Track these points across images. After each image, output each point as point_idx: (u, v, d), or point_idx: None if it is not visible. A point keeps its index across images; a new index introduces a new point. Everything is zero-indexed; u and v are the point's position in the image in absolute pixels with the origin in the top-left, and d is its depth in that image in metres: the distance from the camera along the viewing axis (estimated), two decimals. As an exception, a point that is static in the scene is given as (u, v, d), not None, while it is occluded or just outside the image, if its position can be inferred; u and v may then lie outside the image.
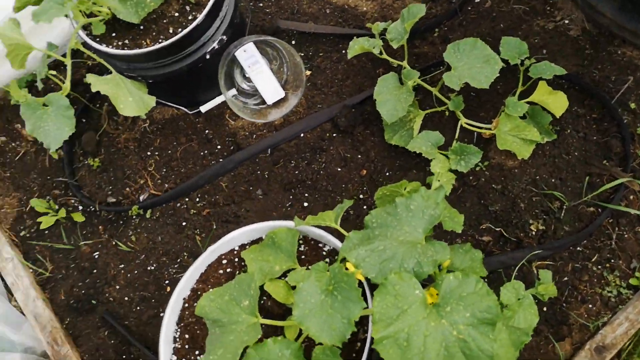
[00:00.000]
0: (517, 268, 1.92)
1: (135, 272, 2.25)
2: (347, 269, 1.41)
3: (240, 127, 2.41)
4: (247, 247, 1.83)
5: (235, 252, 1.83)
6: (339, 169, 2.25)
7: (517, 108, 2.03)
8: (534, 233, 1.97)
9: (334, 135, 2.32)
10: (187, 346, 1.71)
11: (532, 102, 2.08)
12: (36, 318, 2.25)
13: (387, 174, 2.20)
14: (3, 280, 2.39)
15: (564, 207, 2.00)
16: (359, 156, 2.26)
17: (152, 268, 2.24)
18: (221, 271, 1.80)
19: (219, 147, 2.40)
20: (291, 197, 2.24)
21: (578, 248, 1.95)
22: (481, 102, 2.24)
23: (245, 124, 2.40)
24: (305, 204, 2.21)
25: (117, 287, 2.24)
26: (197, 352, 1.69)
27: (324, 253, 1.74)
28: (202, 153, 2.41)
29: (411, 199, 1.53)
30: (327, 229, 1.69)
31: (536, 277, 1.90)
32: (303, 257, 1.73)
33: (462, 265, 1.71)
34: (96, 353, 2.16)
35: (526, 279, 1.91)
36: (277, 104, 2.39)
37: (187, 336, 1.72)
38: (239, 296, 1.47)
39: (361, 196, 2.19)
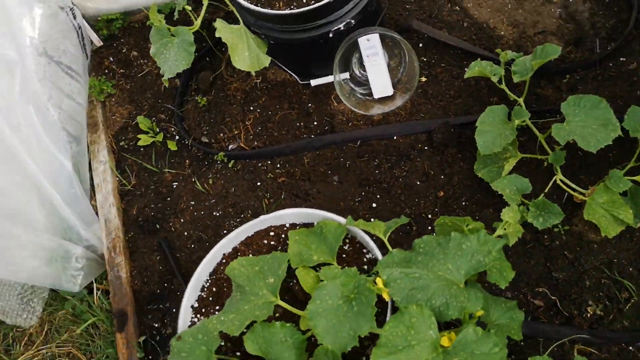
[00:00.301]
0: (557, 343, 1.82)
1: (202, 212, 2.37)
2: (375, 283, 1.41)
3: (341, 111, 2.43)
4: (297, 227, 1.87)
5: (285, 228, 1.88)
6: (418, 183, 2.22)
7: (620, 183, 1.89)
8: (589, 315, 1.86)
9: (425, 148, 2.28)
10: (210, 298, 1.80)
11: (638, 182, 1.94)
12: (106, 222, 2.44)
13: (463, 203, 2.15)
14: (92, 179, 2.60)
15: (632, 300, 1.86)
16: (442, 177, 2.22)
17: (217, 214, 2.35)
18: (265, 241, 1.86)
19: (315, 123, 2.45)
20: (363, 193, 2.25)
21: (630, 347, 1.82)
22: (585, 164, 2.11)
23: (346, 110, 2.42)
24: (374, 205, 2.21)
25: (182, 220, 2.38)
26: (217, 308, 1.77)
27: (365, 259, 1.74)
28: (298, 124, 2.46)
29: (466, 238, 1.49)
30: (376, 238, 1.69)
31: (572, 361, 1.81)
32: (344, 255, 1.75)
33: (499, 320, 1.65)
34: (144, 272, 2.32)
35: (563, 358, 1.82)
36: (383, 100, 2.39)
37: (214, 289, 1.81)
38: (267, 272, 1.52)
39: (429, 216, 2.15)
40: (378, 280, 1.41)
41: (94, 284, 2.40)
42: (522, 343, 1.84)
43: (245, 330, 1.46)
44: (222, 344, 1.60)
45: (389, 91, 2.36)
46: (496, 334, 1.49)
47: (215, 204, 2.38)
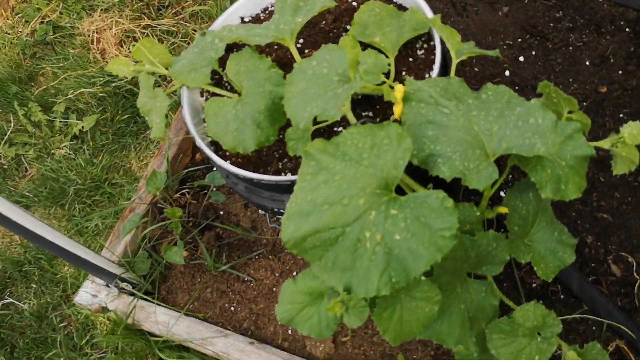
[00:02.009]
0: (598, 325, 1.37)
1: None
2: (392, 87, 1.05)
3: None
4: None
5: None
6: (587, 63, 1.67)
7: None
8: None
9: (627, 30, 1.68)
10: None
11: None
12: None
13: (620, 114, 1.59)
14: None
15: None
16: (620, 72, 1.64)
17: None
18: None
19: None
20: (519, 39, 1.75)
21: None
22: None
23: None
24: (520, 59, 1.72)
25: None
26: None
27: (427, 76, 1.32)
28: None
29: (543, 113, 1.01)
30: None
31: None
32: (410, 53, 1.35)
33: (537, 236, 1.21)
34: None
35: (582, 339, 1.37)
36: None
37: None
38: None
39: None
40: (398, 87, 1.05)
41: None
42: (552, 295, 1.42)
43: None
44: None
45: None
46: (533, 258, 1.09)
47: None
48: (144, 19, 2.69)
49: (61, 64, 2.74)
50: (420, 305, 0.97)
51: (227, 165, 1.19)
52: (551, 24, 1.74)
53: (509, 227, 1.11)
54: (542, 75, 1.67)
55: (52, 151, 2.52)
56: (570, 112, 1.14)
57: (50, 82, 2.70)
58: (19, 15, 2.98)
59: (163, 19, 2.66)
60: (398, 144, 0.93)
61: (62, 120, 2.57)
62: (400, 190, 0.95)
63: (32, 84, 2.77)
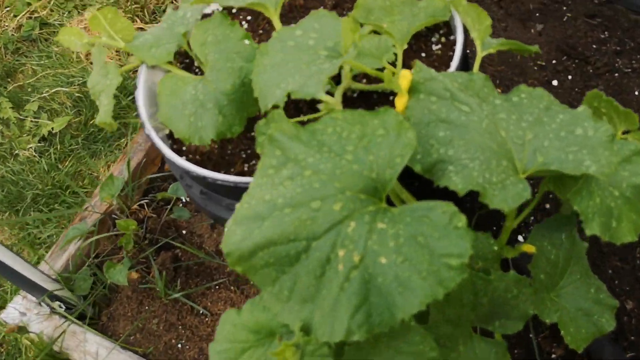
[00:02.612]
0: None
1: None
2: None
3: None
4: None
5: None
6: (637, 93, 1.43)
7: None
8: None
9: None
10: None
11: None
12: None
13: None
14: None
15: None
16: None
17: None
18: None
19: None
20: (554, 61, 1.51)
21: None
22: None
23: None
24: (554, 83, 1.49)
25: None
26: None
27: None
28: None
29: (589, 123, 0.78)
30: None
31: None
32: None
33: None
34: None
35: None
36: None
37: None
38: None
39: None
40: (404, 73, 0.81)
41: None
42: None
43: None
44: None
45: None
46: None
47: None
48: (137, 22, 2.49)
49: (42, 62, 2.53)
50: (408, 364, 0.69)
51: (176, 157, 0.93)
52: (594, 46, 1.50)
53: (534, 273, 0.85)
54: (579, 104, 1.43)
55: (17, 152, 2.27)
56: (625, 132, 0.89)
57: (28, 79, 2.47)
58: (8, 8, 2.79)
59: (157, 23, 2.46)
60: (397, 136, 0.67)
61: (34, 119, 2.34)
62: (389, 202, 0.69)
63: (9, 79, 2.55)
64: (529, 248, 0.82)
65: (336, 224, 0.63)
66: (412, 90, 0.79)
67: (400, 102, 0.79)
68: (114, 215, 1.57)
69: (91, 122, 2.25)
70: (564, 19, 1.54)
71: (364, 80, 0.98)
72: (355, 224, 0.63)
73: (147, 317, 1.41)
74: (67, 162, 2.18)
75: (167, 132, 1.04)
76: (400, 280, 0.59)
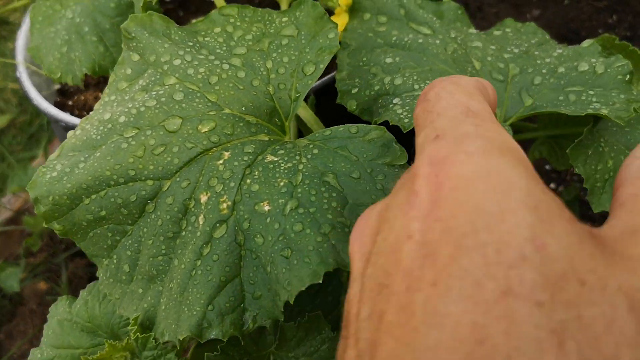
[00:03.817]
0: None
1: None
2: None
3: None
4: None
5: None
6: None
7: None
8: None
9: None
10: None
11: None
12: None
13: None
14: None
15: None
16: None
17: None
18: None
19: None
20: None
21: None
22: None
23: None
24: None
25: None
26: None
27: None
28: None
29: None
30: None
31: None
32: None
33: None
34: None
35: None
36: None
37: None
38: None
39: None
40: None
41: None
42: None
43: None
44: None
45: None
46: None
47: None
48: None
49: (-5, 57, 2.32)
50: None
51: (51, 108, 0.70)
52: (600, 31, 1.29)
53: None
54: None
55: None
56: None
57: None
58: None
59: None
60: (311, 36, 0.45)
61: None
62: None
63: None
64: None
65: (200, 154, 0.39)
66: (355, 7, 0.56)
67: (339, 23, 0.56)
68: (28, 214, 1.32)
69: (36, 122, 2.02)
70: (565, 2, 1.33)
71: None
72: (230, 154, 0.39)
73: (48, 334, 1.15)
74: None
75: (57, 87, 0.82)
76: (289, 239, 0.35)
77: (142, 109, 0.41)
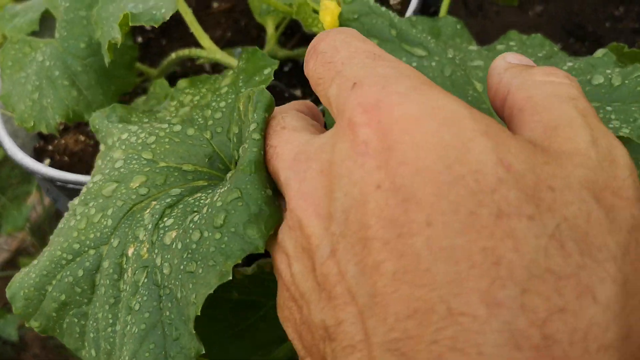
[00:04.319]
0: None
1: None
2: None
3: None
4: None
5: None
6: None
7: None
8: None
9: None
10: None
11: None
12: None
13: None
14: None
15: None
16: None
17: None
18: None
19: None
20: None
21: None
22: None
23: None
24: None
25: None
26: None
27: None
28: None
29: None
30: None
31: None
32: None
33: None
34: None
35: None
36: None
37: None
38: None
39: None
40: (326, 3, 0.53)
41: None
42: None
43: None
44: None
45: None
46: None
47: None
48: None
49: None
50: None
51: (26, 158, 0.66)
52: (607, 24, 1.23)
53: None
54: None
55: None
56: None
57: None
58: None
59: None
60: (249, 78, 0.44)
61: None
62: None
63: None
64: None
65: (130, 210, 0.37)
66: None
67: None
68: (28, 253, 1.29)
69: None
70: (569, -4, 1.29)
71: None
72: (157, 202, 0.36)
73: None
74: None
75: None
76: (192, 252, 0.32)
77: (90, 185, 0.40)
